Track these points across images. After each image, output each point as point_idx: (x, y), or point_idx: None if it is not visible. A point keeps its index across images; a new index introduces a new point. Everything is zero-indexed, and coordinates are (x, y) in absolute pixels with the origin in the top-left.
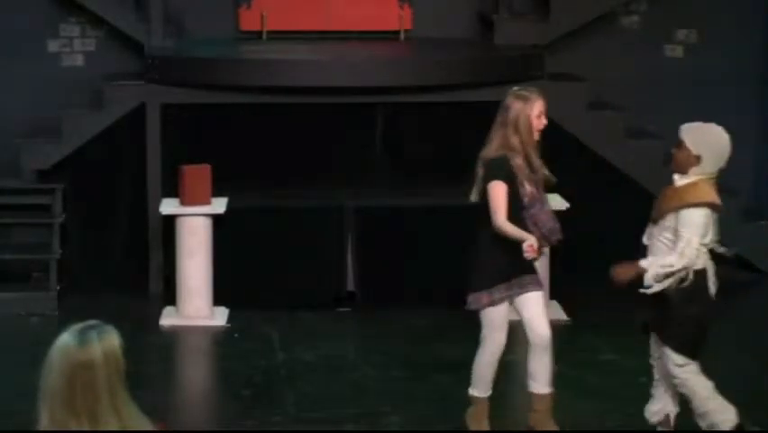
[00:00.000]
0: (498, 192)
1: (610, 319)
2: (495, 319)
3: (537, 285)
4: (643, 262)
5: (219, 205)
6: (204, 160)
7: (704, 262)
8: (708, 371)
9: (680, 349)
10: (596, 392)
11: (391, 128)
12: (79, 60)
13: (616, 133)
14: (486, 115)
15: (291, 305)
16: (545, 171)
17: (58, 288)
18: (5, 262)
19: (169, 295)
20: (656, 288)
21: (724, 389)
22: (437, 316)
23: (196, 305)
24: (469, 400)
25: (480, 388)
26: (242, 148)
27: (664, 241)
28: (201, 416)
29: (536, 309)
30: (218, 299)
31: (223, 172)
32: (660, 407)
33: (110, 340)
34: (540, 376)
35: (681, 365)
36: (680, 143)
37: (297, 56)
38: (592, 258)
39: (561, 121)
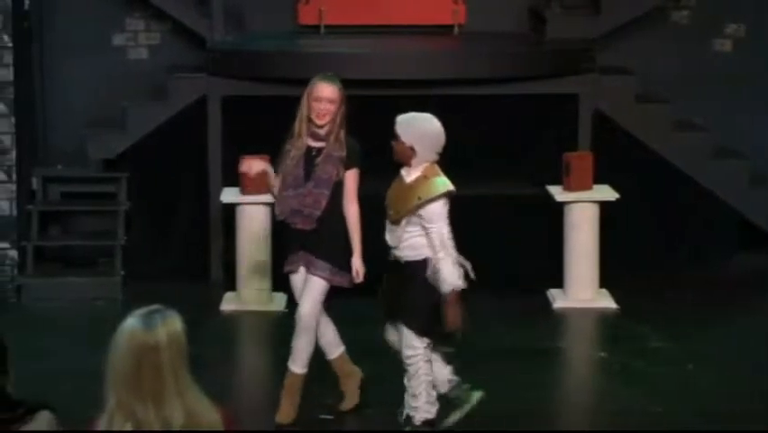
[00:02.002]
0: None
1: (658, 308)
2: (292, 287)
3: (319, 270)
4: (449, 289)
5: None
6: (263, 150)
7: None
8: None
9: (420, 332)
10: (642, 380)
11: (444, 120)
12: (144, 54)
13: (664, 125)
14: (538, 108)
15: (348, 290)
16: (340, 153)
17: (122, 273)
18: (72, 248)
19: (229, 281)
20: (460, 284)
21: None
22: (488, 302)
23: (255, 291)
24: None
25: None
26: None
27: (416, 237)
28: (259, 398)
29: (306, 290)
30: (277, 285)
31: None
32: (443, 376)
33: (174, 324)
34: (297, 356)
35: (416, 348)
36: (395, 136)
37: (354, 50)
38: (641, 247)
39: (611, 113)
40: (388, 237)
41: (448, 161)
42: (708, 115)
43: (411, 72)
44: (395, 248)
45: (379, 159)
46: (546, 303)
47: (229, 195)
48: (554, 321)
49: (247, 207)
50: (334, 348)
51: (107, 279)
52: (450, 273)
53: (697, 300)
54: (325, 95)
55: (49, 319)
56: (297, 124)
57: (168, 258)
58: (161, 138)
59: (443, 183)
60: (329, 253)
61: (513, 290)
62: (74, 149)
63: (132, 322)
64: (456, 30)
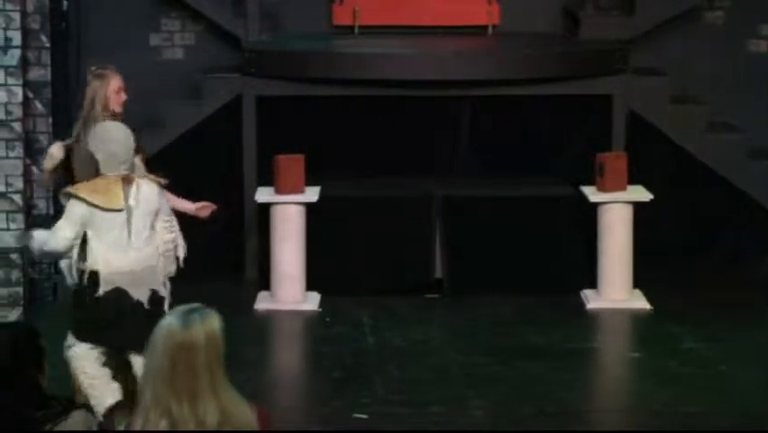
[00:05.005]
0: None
1: (692, 308)
2: None
3: None
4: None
5: (312, 193)
6: (298, 150)
7: (100, 264)
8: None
9: (71, 329)
10: (676, 381)
11: (478, 120)
12: (179, 54)
13: (698, 126)
14: (571, 108)
15: (381, 291)
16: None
17: None
18: None
19: (264, 280)
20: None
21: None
22: (522, 303)
23: (289, 290)
24: None
25: None
26: (334, 139)
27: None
28: (293, 396)
29: None
30: (311, 285)
31: (316, 162)
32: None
33: (212, 323)
34: None
35: (68, 346)
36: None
37: (388, 50)
38: (674, 248)
39: (644, 114)
40: None
41: (479, 162)
42: (743, 116)
43: (446, 73)
44: None
45: (416, 156)
46: (580, 303)
47: (264, 194)
48: (588, 321)
49: (281, 207)
50: None
51: None
52: (46, 247)
53: (731, 301)
54: (122, 84)
55: None
56: (98, 116)
57: (204, 257)
58: (197, 138)
59: (93, 191)
60: None
61: (546, 290)
62: None
63: (170, 320)
64: (490, 30)
